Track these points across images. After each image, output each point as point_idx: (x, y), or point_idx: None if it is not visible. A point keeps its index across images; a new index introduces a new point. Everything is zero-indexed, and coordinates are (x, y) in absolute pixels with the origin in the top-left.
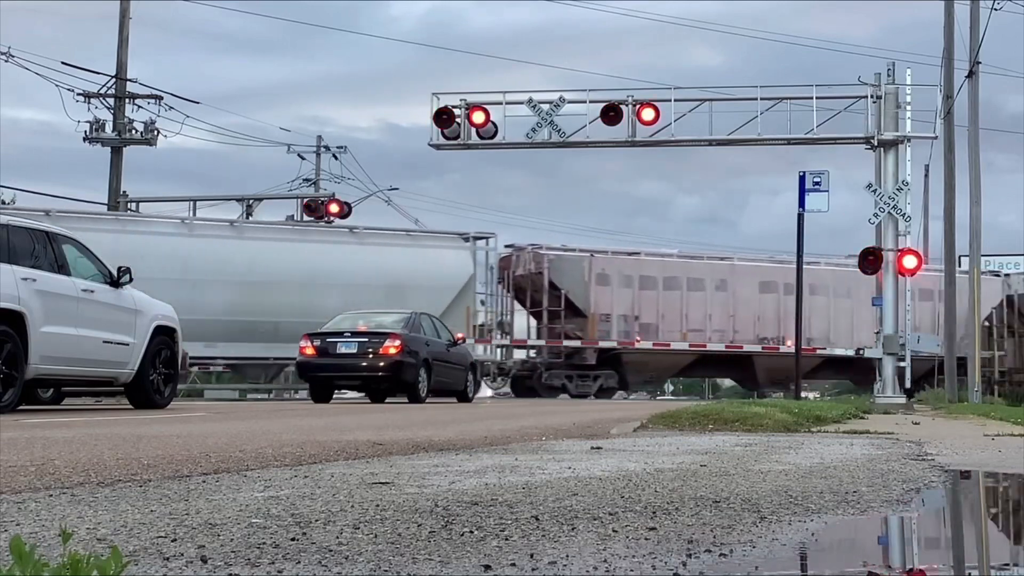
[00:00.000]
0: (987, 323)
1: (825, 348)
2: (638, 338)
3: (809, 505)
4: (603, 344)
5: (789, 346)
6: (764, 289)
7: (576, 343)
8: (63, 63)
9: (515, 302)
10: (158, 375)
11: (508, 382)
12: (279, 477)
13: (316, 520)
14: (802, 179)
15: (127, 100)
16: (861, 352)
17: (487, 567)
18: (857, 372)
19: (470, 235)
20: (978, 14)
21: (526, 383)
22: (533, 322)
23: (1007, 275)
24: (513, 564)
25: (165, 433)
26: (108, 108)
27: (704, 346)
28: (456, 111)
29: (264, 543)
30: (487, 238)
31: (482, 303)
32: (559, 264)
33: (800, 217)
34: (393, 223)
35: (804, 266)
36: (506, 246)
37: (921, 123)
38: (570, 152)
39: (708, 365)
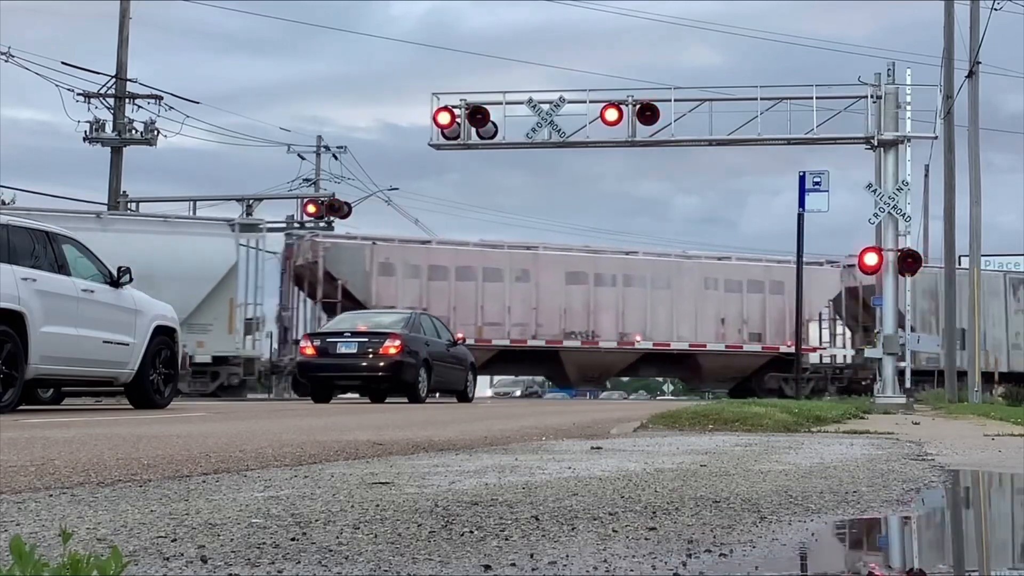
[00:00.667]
0: (823, 316)
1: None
2: None
3: (809, 505)
4: None
5: (604, 340)
6: (571, 280)
7: None
8: (63, 63)
9: (304, 294)
10: (158, 375)
11: (288, 382)
12: (279, 477)
13: (316, 520)
14: (802, 179)
15: (127, 100)
16: (860, 352)
17: (487, 567)
18: (686, 369)
19: (236, 222)
20: (978, 14)
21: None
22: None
23: (850, 265)
24: (513, 564)
25: (165, 433)
26: (108, 108)
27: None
28: (456, 111)
29: (264, 543)
30: (257, 225)
31: (251, 294)
32: (336, 253)
33: (800, 217)
34: (394, 223)
35: (615, 255)
36: (286, 233)
37: (921, 123)
38: (570, 152)
39: (511, 361)
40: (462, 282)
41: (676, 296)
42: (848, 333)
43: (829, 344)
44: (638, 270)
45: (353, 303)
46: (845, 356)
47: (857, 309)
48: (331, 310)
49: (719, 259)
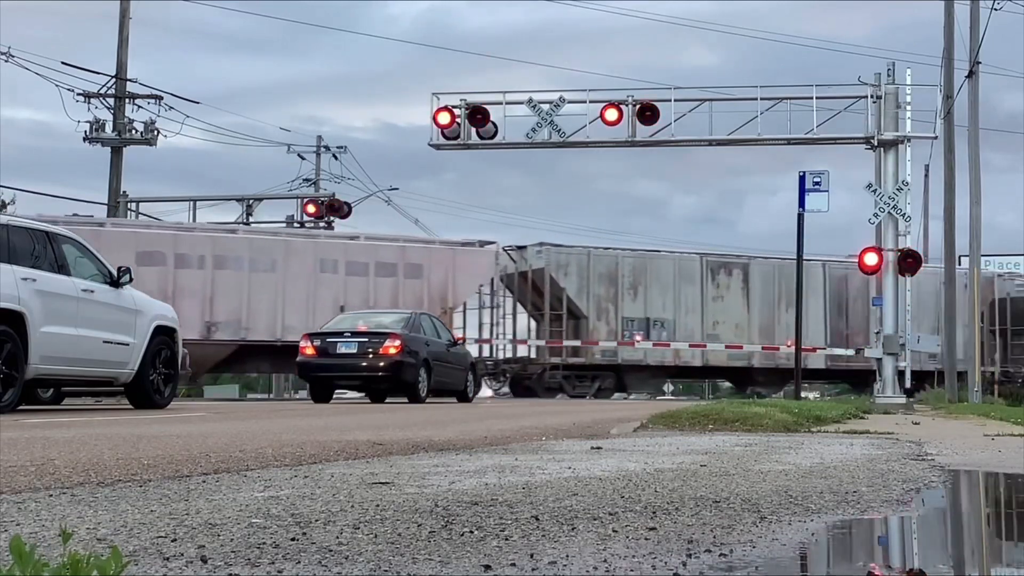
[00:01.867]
0: (487, 304)
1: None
2: None
3: (809, 505)
4: None
5: (185, 329)
6: (145, 260)
7: None
8: (63, 63)
9: None
10: (158, 375)
11: None
12: (279, 477)
13: (316, 520)
14: (802, 179)
15: (127, 100)
16: (860, 352)
17: (487, 567)
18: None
19: None
20: (978, 14)
21: None
22: None
23: (520, 247)
24: (513, 564)
25: (165, 433)
26: (108, 108)
27: None
28: (456, 111)
29: (264, 543)
30: None
31: None
32: None
33: (800, 217)
34: (394, 223)
35: (203, 233)
36: None
37: (921, 123)
38: (569, 152)
39: None
40: None
41: (282, 280)
42: (518, 323)
43: (496, 336)
44: (233, 250)
45: None
46: (514, 348)
47: (527, 293)
48: None
49: (349, 239)
